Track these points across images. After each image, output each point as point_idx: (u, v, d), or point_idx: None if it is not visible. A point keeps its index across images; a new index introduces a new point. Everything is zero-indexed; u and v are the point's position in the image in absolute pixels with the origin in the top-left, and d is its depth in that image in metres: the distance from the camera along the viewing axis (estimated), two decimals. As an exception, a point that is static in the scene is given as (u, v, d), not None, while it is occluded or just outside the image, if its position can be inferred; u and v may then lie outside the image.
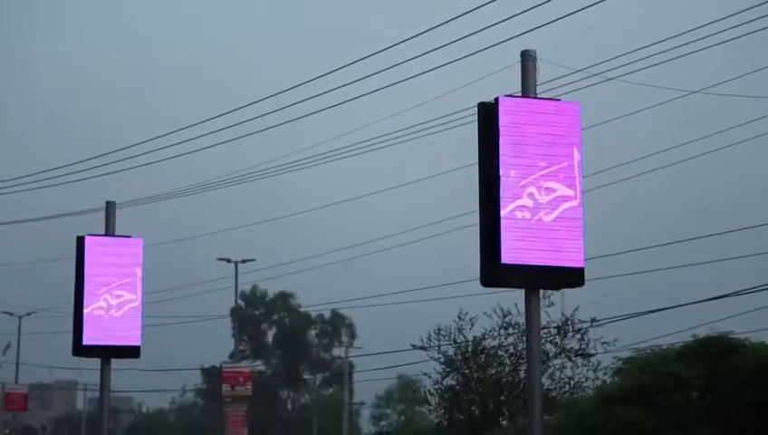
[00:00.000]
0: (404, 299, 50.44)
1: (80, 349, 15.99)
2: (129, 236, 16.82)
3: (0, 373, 59.46)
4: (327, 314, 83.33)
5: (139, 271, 16.47)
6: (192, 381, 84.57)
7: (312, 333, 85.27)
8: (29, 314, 66.60)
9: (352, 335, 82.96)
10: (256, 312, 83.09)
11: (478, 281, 11.75)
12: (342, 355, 78.50)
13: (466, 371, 29.21)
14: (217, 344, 74.78)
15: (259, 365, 78.62)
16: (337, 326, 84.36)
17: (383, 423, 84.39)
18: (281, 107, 23.11)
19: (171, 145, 26.35)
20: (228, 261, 57.19)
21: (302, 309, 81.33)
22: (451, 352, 29.70)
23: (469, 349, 29.32)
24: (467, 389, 29.21)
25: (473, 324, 29.46)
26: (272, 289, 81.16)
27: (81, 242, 16.26)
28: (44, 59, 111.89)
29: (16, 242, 74.42)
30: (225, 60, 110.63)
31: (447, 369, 29.64)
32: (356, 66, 19.92)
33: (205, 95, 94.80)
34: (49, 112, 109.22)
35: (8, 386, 62.94)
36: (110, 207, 17.20)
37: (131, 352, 16.32)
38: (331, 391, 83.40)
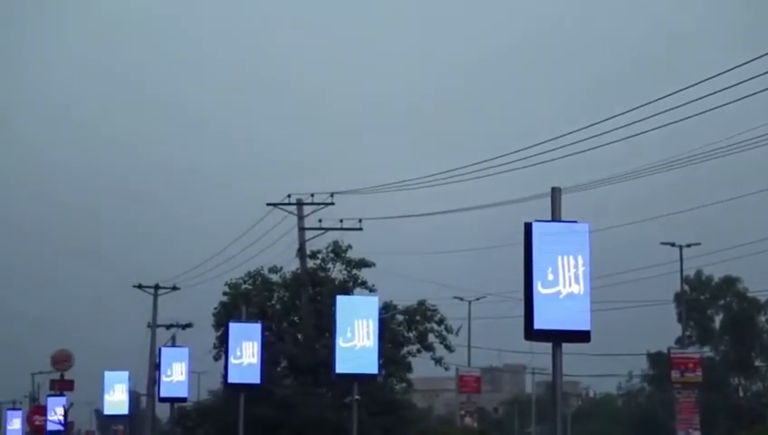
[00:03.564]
0: None
1: (531, 333, 16.27)
2: (576, 222, 16.90)
3: (454, 357, 61.89)
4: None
5: (585, 256, 16.51)
6: (638, 367, 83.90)
7: (762, 319, 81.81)
8: (478, 299, 69.01)
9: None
10: (701, 297, 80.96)
11: None
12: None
13: None
14: (662, 330, 73.45)
15: (707, 352, 76.53)
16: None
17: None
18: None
19: (611, 130, 26.28)
20: (673, 245, 56.25)
21: (749, 294, 78.36)
22: None
23: None
24: None
25: None
26: (717, 274, 78.73)
27: (528, 228, 16.55)
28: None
29: (466, 230, 77.50)
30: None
31: None
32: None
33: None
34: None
35: (462, 369, 65.51)
36: (555, 193, 17.36)
37: (581, 336, 16.39)
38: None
